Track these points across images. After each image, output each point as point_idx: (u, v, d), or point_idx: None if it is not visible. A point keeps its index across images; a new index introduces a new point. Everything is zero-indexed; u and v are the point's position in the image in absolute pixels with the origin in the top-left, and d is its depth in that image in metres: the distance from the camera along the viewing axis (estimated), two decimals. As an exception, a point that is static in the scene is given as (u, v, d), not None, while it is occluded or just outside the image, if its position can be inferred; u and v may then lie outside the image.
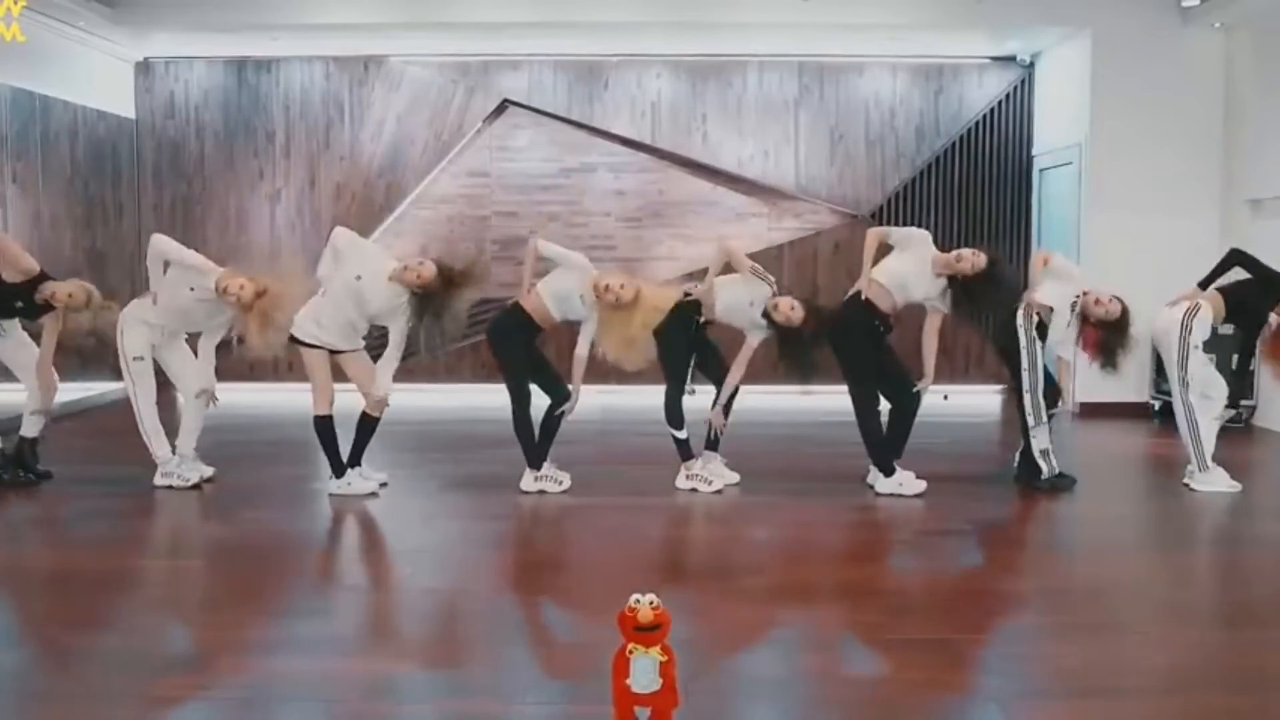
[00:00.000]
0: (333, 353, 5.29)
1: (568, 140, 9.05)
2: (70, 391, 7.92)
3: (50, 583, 4.15)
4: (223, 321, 5.38)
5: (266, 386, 8.93)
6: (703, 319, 5.45)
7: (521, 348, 5.36)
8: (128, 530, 4.90)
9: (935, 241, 5.45)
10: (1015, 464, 5.65)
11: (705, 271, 5.68)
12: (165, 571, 4.33)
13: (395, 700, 3.05)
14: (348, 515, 5.11)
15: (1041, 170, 8.87)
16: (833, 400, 8.37)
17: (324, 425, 5.29)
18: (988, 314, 5.37)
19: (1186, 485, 5.53)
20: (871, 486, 5.47)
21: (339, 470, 5.34)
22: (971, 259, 5.22)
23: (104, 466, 6.08)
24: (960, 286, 5.29)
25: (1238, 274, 5.59)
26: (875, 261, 5.37)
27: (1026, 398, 5.39)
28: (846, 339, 5.35)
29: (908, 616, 3.76)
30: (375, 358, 5.36)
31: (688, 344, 5.46)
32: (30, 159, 7.69)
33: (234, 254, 8.99)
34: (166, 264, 5.32)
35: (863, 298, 5.29)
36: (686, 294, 5.42)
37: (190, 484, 5.45)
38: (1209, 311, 5.44)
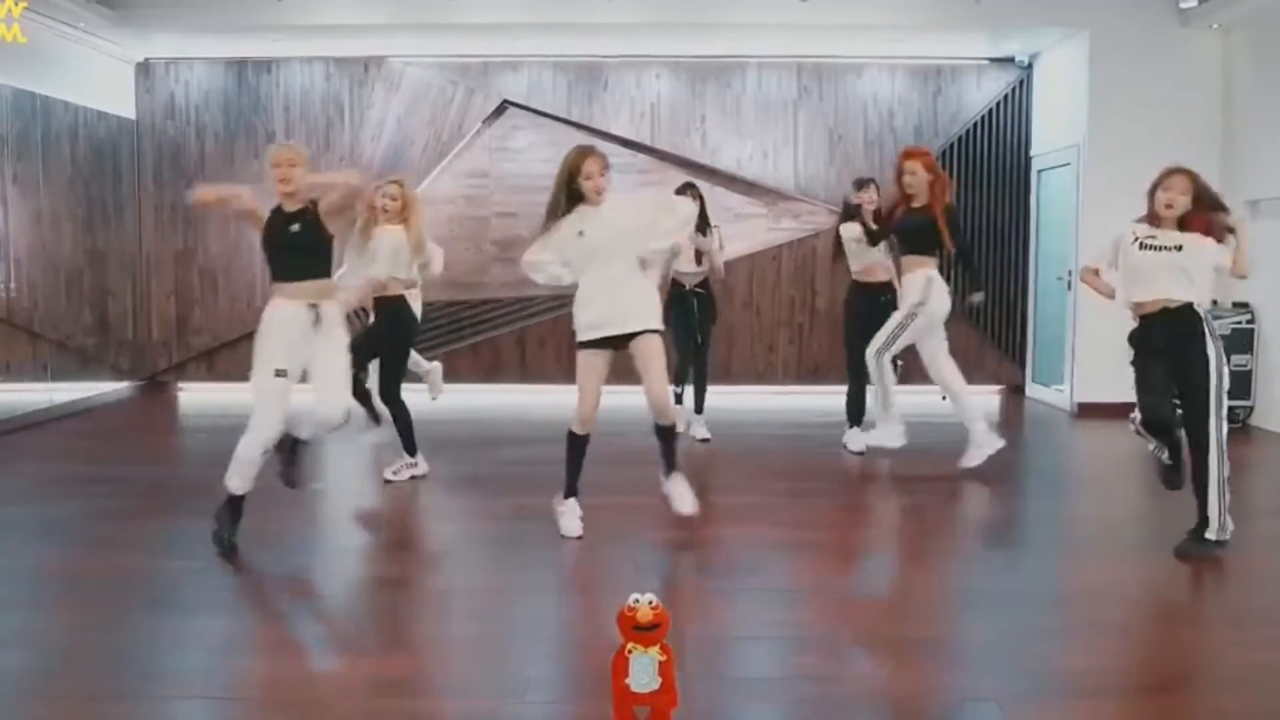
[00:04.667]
0: None
1: (567, 141, 8.95)
2: (72, 391, 7.96)
3: (51, 582, 4.15)
4: None
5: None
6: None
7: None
8: (128, 530, 4.91)
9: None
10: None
11: None
12: (165, 571, 4.33)
13: (395, 700, 3.05)
14: (348, 515, 5.12)
15: (1040, 171, 8.88)
16: (832, 401, 8.43)
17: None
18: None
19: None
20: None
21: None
22: None
23: (105, 466, 6.08)
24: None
25: None
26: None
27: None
28: None
29: (908, 616, 3.77)
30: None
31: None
32: (31, 160, 7.69)
33: (234, 255, 9.05)
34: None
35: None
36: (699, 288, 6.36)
37: None
38: None
